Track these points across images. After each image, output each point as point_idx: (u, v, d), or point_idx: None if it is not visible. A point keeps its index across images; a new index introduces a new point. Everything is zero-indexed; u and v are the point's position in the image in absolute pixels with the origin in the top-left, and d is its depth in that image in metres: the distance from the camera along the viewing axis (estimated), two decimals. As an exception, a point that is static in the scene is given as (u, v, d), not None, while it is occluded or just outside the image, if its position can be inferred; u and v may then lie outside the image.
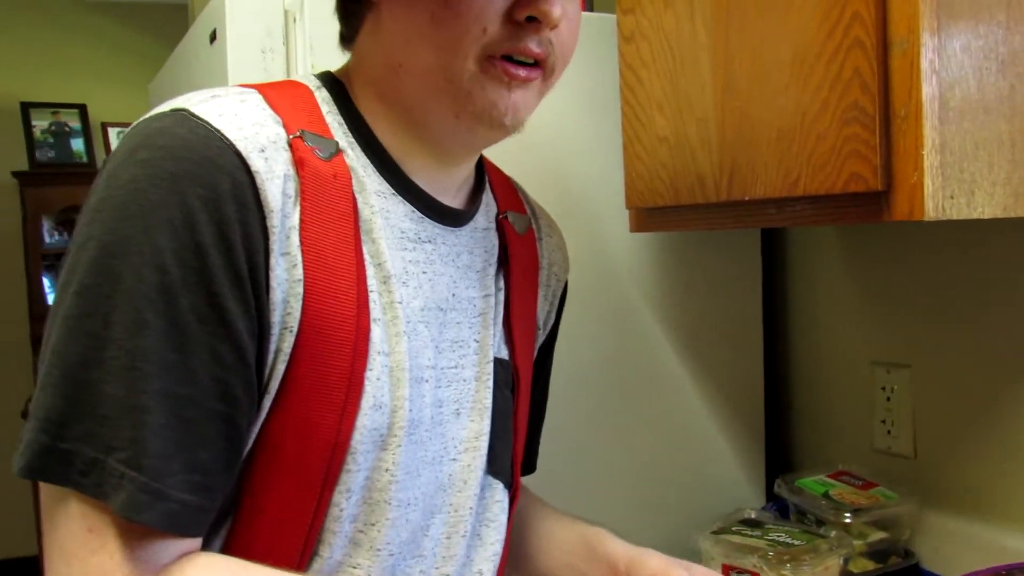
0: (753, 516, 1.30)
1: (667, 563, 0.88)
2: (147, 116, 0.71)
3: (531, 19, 0.74)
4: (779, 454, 1.64)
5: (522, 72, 0.76)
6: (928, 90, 0.90)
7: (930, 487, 1.36)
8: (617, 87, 1.30)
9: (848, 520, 1.28)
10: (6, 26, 4.47)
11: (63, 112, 4.46)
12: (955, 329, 1.32)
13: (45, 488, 0.67)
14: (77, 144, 4.46)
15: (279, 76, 1.21)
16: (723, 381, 1.53)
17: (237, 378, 0.68)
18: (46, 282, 4.33)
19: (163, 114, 0.70)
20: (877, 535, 1.32)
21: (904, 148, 0.91)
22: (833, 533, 1.23)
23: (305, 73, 0.86)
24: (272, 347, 0.70)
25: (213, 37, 1.26)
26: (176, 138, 0.67)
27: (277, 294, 0.70)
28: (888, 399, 1.42)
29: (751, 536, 1.22)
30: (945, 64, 0.91)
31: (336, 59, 0.87)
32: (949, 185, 0.92)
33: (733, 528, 1.26)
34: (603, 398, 1.42)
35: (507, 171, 1.02)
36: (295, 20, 1.21)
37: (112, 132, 4.48)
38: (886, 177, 0.93)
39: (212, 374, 0.67)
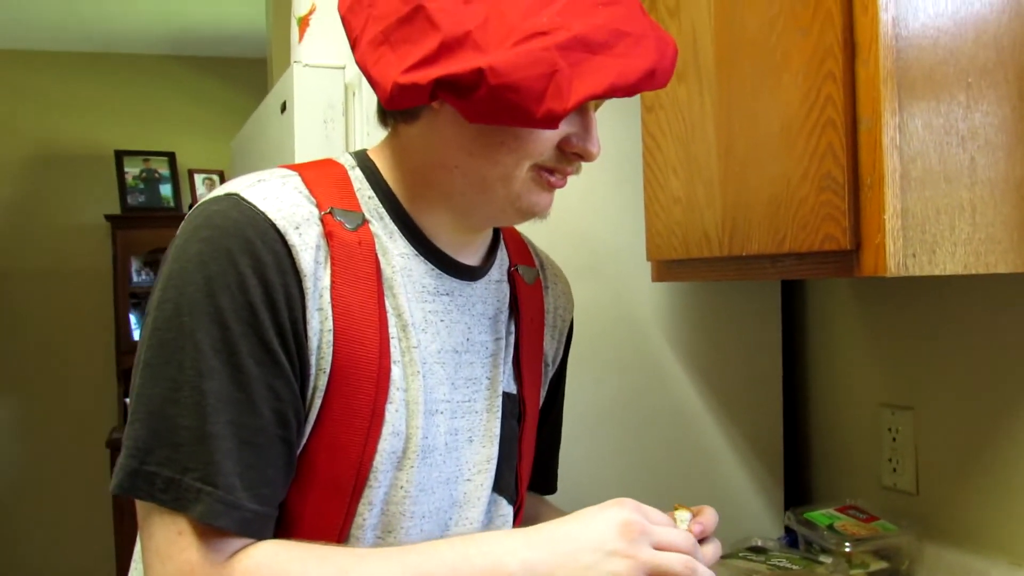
0: (760, 544, 1.41)
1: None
2: (206, 199, 0.88)
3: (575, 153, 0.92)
4: (797, 490, 1.75)
5: (561, 181, 0.94)
6: (890, 163, 1.03)
7: (930, 521, 1.46)
8: (638, 153, 1.45)
9: (848, 549, 1.39)
10: (102, 81, 4.81)
11: (153, 160, 4.77)
12: (951, 373, 1.43)
13: (139, 504, 0.83)
14: (165, 190, 4.76)
15: (339, 144, 1.39)
16: (744, 419, 1.65)
17: (290, 408, 0.85)
18: (132, 318, 4.62)
19: (219, 198, 0.87)
20: (878, 564, 1.42)
21: (869, 213, 1.04)
22: (831, 560, 1.34)
23: (342, 151, 1.02)
24: (311, 385, 0.87)
25: (283, 108, 1.45)
26: (230, 220, 0.84)
27: (313, 342, 0.86)
28: (894, 439, 1.53)
29: (754, 561, 1.34)
30: (907, 140, 1.04)
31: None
32: (911, 245, 1.04)
33: (740, 554, 1.37)
34: (629, 432, 1.55)
35: (545, 233, 1.16)
36: (354, 94, 1.39)
37: (198, 178, 4.76)
38: (855, 238, 1.06)
39: (271, 406, 0.83)
